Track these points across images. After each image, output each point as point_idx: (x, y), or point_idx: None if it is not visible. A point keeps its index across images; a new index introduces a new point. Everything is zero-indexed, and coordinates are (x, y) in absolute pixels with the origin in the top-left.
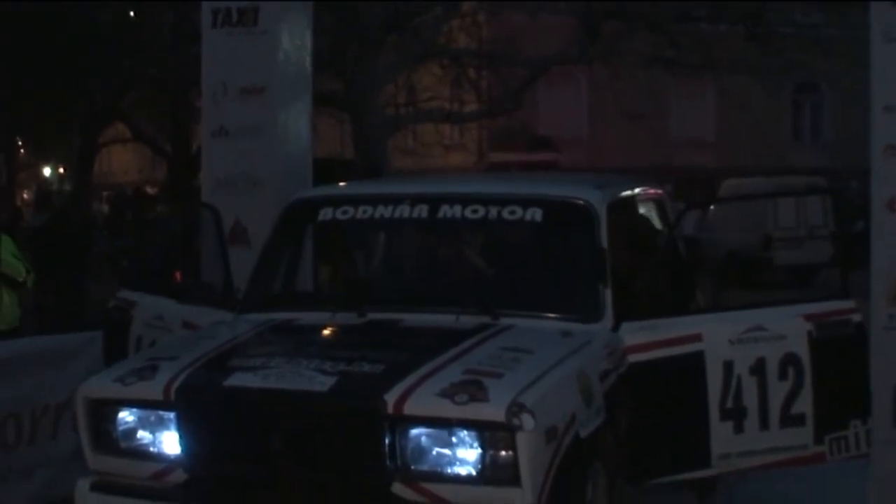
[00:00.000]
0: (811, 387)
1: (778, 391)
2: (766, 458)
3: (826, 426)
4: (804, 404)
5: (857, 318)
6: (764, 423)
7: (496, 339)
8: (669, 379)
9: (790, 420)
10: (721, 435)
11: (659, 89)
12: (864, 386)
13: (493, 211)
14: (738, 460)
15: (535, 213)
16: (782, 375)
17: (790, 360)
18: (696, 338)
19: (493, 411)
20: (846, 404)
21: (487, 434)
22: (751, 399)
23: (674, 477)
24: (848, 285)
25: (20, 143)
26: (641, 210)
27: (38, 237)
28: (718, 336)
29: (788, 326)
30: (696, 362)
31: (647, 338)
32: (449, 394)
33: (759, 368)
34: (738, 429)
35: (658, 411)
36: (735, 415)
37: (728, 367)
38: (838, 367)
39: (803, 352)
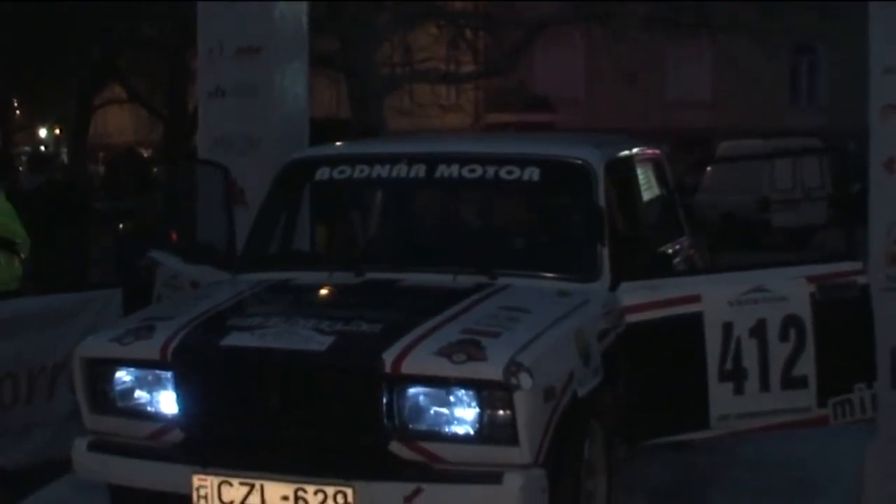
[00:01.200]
0: (814, 349)
1: (779, 353)
2: (768, 420)
3: (830, 389)
4: (806, 366)
5: (862, 279)
6: (765, 385)
7: (494, 298)
8: (668, 340)
9: (792, 382)
10: (720, 396)
11: (656, 51)
12: (870, 349)
13: (491, 170)
14: (738, 422)
15: (533, 173)
16: (784, 337)
17: (792, 322)
18: (695, 299)
19: (490, 370)
20: (851, 367)
21: (485, 393)
22: (751, 361)
23: (671, 437)
24: (853, 246)
25: (16, 104)
26: (639, 170)
27: (35, 200)
28: (718, 297)
29: (790, 288)
30: (694, 323)
31: (646, 298)
32: (447, 353)
33: (759, 330)
34: (738, 390)
35: (656, 372)
36: (735, 376)
37: (727, 328)
38: (843, 330)
39: (806, 314)
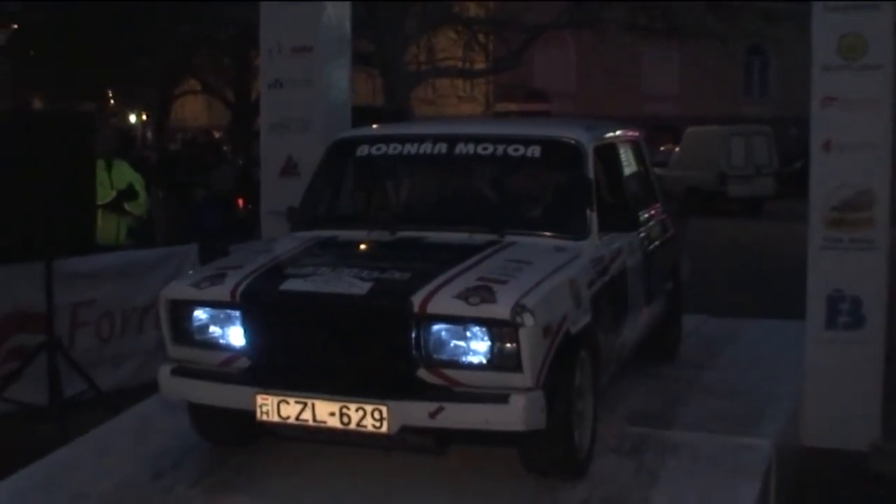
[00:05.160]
0: (648, 283)
1: (638, 287)
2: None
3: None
4: (644, 298)
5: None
6: (636, 312)
7: (502, 252)
8: (621, 284)
9: (644, 311)
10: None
11: (634, 51)
12: None
13: (501, 148)
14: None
15: (535, 150)
16: (640, 276)
17: (639, 265)
18: (622, 251)
19: (500, 311)
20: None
21: (495, 330)
22: (635, 294)
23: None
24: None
25: (110, 94)
26: (621, 149)
27: None
28: (624, 248)
29: (628, 238)
30: (624, 271)
31: (610, 251)
32: (464, 296)
33: (634, 271)
34: (632, 319)
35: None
36: (632, 307)
37: (630, 271)
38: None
39: (641, 258)
